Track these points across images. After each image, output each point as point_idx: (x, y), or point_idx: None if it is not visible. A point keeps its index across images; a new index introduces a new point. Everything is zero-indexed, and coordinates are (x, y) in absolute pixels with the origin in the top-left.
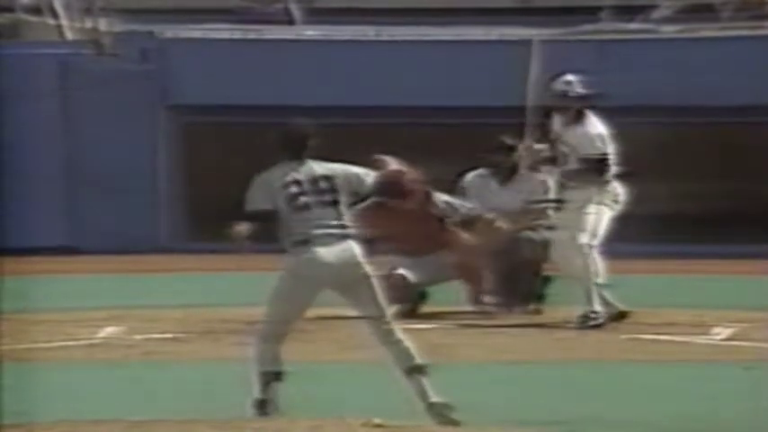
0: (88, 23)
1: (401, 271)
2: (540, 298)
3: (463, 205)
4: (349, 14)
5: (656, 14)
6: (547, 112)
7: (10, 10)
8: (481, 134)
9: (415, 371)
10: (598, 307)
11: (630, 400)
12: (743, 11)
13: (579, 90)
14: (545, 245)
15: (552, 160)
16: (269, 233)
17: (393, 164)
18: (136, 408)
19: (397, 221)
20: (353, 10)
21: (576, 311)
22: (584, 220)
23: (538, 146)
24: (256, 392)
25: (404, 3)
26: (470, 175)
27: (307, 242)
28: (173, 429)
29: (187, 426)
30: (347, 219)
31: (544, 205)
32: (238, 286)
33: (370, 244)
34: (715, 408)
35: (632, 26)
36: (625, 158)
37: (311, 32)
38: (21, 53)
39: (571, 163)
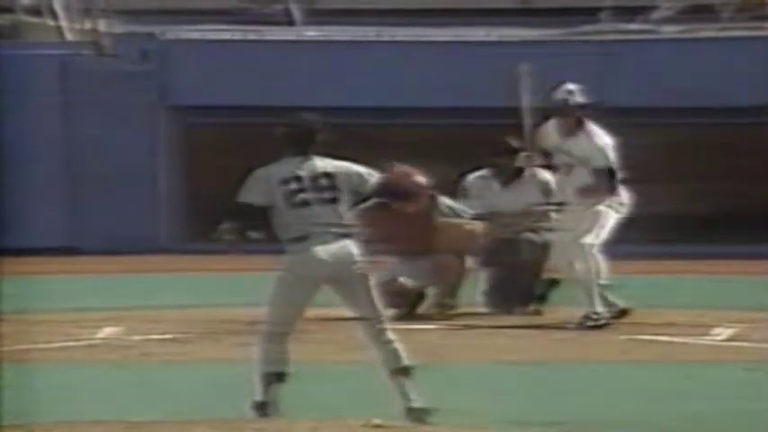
0: (88, 24)
1: (401, 279)
2: (541, 299)
3: (465, 211)
4: (349, 15)
5: (656, 15)
6: (537, 122)
7: (10, 11)
8: (482, 135)
9: (400, 373)
10: (599, 308)
11: (630, 400)
12: (743, 11)
13: (580, 99)
14: (545, 246)
15: (548, 167)
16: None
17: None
18: (135, 408)
19: (397, 223)
20: (354, 11)
21: (576, 312)
22: (589, 221)
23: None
24: (257, 394)
25: (404, 4)
26: (472, 177)
27: (303, 239)
28: (173, 429)
29: (187, 426)
30: (347, 217)
31: (546, 207)
32: (238, 286)
33: (368, 244)
34: (715, 408)
35: (632, 27)
36: (625, 160)
37: (311, 33)
38: (21, 54)
39: (576, 173)
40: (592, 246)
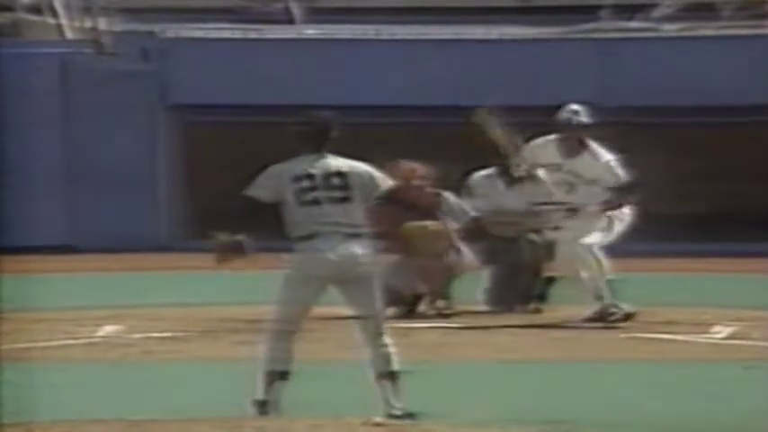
0: (88, 23)
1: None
2: (542, 298)
3: (466, 213)
4: (349, 14)
5: (656, 13)
6: (528, 138)
7: (10, 9)
8: (482, 134)
9: (387, 377)
10: (613, 301)
11: (630, 400)
12: (743, 10)
13: (584, 119)
14: (547, 246)
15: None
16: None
17: (408, 164)
18: (135, 407)
19: (400, 221)
20: (353, 9)
21: (575, 311)
22: (595, 223)
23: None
24: (259, 392)
25: (404, 2)
26: (477, 175)
27: (311, 238)
28: (172, 429)
29: (187, 424)
30: (357, 217)
31: (549, 208)
32: (237, 285)
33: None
34: (715, 407)
35: (632, 25)
36: (625, 160)
37: (311, 32)
38: (21, 52)
39: (579, 192)
40: (594, 244)
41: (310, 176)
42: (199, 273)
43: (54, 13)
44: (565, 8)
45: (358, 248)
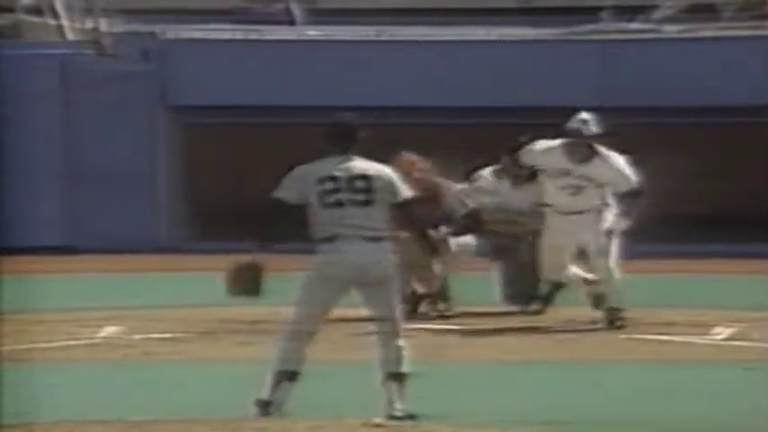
0: (89, 24)
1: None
2: (547, 300)
3: (465, 204)
4: (349, 15)
5: (657, 14)
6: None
7: (11, 10)
8: (482, 134)
9: (394, 378)
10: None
11: (630, 400)
12: (744, 11)
13: (594, 128)
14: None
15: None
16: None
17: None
18: (136, 408)
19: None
20: (354, 10)
21: (574, 312)
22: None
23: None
24: (264, 391)
25: (404, 3)
26: (486, 171)
27: (332, 240)
28: (173, 429)
29: (187, 426)
30: (378, 220)
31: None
32: None
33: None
34: (715, 408)
35: (633, 26)
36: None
37: (312, 33)
38: (21, 53)
39: (586, 193)
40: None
41: (334, 178)
42: (199, 273)
43: (55, 15)
44: (566, 9)
45: (378, 251)
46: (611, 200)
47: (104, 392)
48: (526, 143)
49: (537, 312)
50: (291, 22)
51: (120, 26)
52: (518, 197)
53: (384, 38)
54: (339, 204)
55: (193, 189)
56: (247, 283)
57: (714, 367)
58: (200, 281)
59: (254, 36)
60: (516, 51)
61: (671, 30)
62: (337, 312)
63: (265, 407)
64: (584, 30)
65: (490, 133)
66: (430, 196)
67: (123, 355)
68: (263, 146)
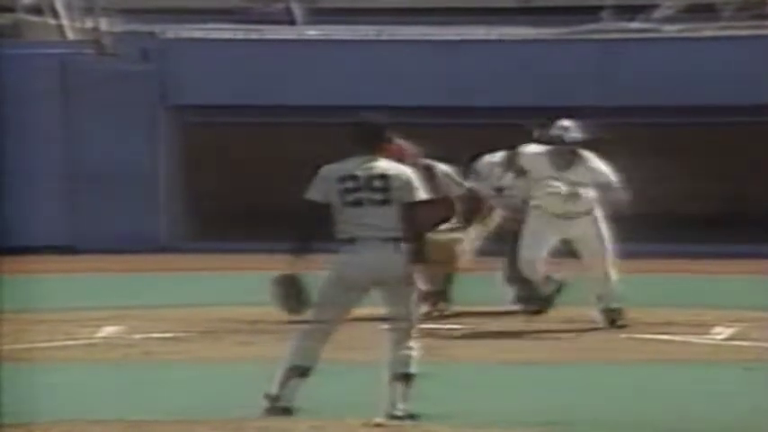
0: (89, 23)
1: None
2: (547, 301)
3: (461, 183)
4: (350, 14)
5: (657, 14)
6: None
7: (11, 10)
8: (482, 134)
9: (401, 378)
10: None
11: (630, 400)
12: (744, 10)
13: (575, 135)
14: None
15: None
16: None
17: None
18: (136, 407)
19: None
20: (354, 10)
21: (575, 312)
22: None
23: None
24: (274, 386)
25: (405, 3)
26: (486, 158)
27: (351, 241)
28: (173, 429)
29: (187, 426)
30: (395, 221)
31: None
32: (238, 285)
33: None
34: (715, 408)
35: (633, 26)
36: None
37: (312, 32)
38: (21, 53)
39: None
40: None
41: (355, 177)
42: (199, 273)
43: (55, 14)
44: (566, 9)
45: (394, 252)
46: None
47: (104, 392)
48: (543, 125)
49: (538, 312)
50: (292, 22)
51: (121, 26)
52: (516, 189)
53: (384, 37)
54: (358, 203)
55: (193, 188)
56: (294, 300)
57: (714, 367)
58: (201, 280)
59: (254, 36)
60: (516, 51)
61: (671, 29)
62: None
63: (274, 401)
64: (584, 29)
65: (490, 133)
66: (440, 200)
67: (123, 355)
68: (263, 145)
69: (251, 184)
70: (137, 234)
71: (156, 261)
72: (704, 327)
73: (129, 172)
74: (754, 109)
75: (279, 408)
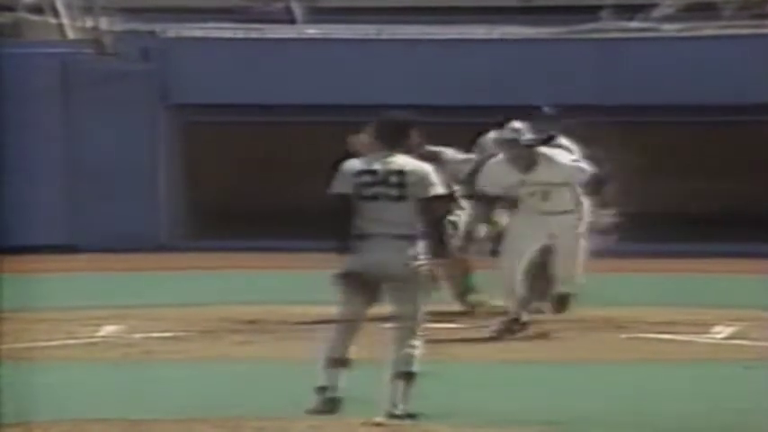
0: (89, 22)
1: None
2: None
3: (467, 161)
4: (350, 13)
5: (656, 13)
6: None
7: (11, 9)
8: (481, 133)
9: (403, 377)
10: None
11: (630, 400)
12: (744, 10)
13: (528, 135)
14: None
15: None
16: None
17: None
18: (136, 407)
19: None
20: (354, 9)
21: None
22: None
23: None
24: (320, 379)
25: (405, 2)
26: (492, 134)
27: (363, 239)
28: (173, 429)
29: (187, 425)
30: (409, 217)
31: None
32: (238, 284)
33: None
34: (715, 407)
35: (633, 25)
36: (626, 158)
37: (312, 31)
38: (22, 52)
39: (555, 194)
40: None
41: (372, 172)
42: (199, 272)
43: (55, 13)
44: (565, 8)
45: (405, 249)
46: (583, 198)
47: (104, 391)
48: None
49: (537, 312)
50: (292, 21)
51: (121, 25)
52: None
53: (384, 36)
54: (375, 198)
55: (194, 187)
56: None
57: (714, 366)
58: (200, 279)
59: (254, 35)
60: (516, 50)
61: (670, 28)
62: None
63: (322, 392)
64: (583, 28)
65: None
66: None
67: (123, 354)
68: (264, 144)
69: (251, 183)
70: (137, 233)
71: (156, 260)
72: (704, 326)
73: (129, 171)
74: (754, 108)
75: (327, 399)
